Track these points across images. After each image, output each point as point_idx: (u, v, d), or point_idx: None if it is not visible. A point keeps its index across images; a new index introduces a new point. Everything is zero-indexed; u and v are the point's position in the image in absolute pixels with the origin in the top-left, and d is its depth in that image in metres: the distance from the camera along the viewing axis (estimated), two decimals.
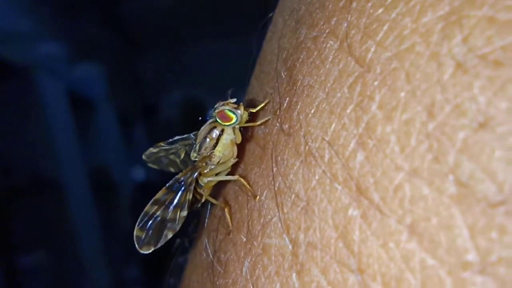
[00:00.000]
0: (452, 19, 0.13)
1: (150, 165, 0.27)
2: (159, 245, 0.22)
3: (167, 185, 0.22)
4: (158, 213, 0.21)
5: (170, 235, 0.22)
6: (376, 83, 0.15)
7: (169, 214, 0.21)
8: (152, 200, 0.21)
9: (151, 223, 0.21)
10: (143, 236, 0.21)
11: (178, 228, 0.22)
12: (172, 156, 0.26)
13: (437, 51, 0.13)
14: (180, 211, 0.21)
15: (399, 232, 0.13)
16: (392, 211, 0.14)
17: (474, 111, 0.12)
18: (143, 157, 0.27)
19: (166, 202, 0.21)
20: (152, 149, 0.26)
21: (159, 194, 0.21)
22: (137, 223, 0.21)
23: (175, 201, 0.21)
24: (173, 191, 0.22)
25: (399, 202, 0.14)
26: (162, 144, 0.26)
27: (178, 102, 2.00)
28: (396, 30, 0.15)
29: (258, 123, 0.20)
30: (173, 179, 0.22)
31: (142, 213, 0.21)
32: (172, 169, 0.26)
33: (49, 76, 1.44)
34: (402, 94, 0.14)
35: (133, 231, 0.21)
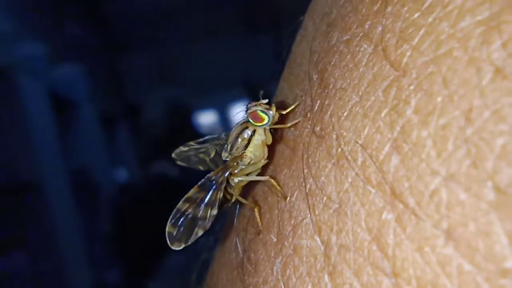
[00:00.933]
0: (491, 25, 0.13)
1: (179, 162, 0.27)
2: (189, 242, 0.22)
3: (199, 183, 0.22)
4: (189, 210, 0.22)
5: (200, 233, 0.22)
6: (412, 87, 0.15)
7: (200, 212, 0.22)
8: (184, 198, 0.22)
9: (182, 220, 0.22)
10: (175, 233, 0.22)
11: (208, 226, 0.22)
12: (201, 155, 0.26)
13: (475, 56, 0.13)
14: (211, 210, 0.22)
15: (435, 237, 0.14)
16: (428, 215, 0.14)
17: None
18: (173, 155, 0.27)
19: (198, 200, 0.22)
20: (182, 148, 0.27)
21: (191, 192, 0.22)
22: (169, 220, 0.21)
23: (206, 199, 0.22)
24: (204, 189, 0.22)
25: (435, 207, 0.14)
26: (192, 143, 0.26)
27: (161, 102, 2.00)
28: (433, 35, 0.15)
29: (289, 125, 0.21)
30: (205, 177, 0.22)
31: (174, 210, 0.22)
32: (201, 167, 0.27)
33: (29, 77, 1.43)
34: (439, 98, 0.14)
35: (166, 228, 0.22)
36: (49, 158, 1.48)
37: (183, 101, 1.91)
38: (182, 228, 0.22)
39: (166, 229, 0.22)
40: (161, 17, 1.97)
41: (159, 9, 1.94)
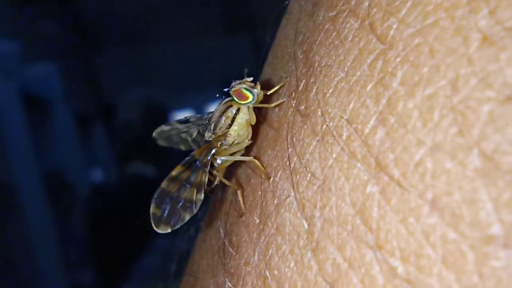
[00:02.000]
0: None
1: (160, 142, 0.26)
2: (176, 227, 0.21)
3: (183, 162, 0.21)
4: (174, 190, 0.21)
5: (187, 218, 0.21)
6: (398, 59, 0.15)
7: (186, 193, 0.21)
8: (167, 177, 0.21)
9: (168, 201, 0.21)
10: (160, 214, 0.21)
11: (195, 211, 0.21)
12: (183, 135, 0.26)
13: (462, 25, 0.13)
14: (197, 193, 0.21)
15: (419, 207, 0.13)
16: (413, 186, 0.14)
17: (500, 83, 0.12)
18: (154, 134, 0.26)
19: (183, 181, 0.21)
20: (164, 127, 0.26)
21: (175, 171, 0.21)
22: (153, 199, 0.21)
23: (192, 179, 0.21)
24: (189, 169, 0.21)
25: (420, 177, 0.13)
26: (174, 122, 0.25)
27: (137, 102, 1.98)
28: (419, 6, 0.15)
29: (273, 104, 0.20)
30: (190, 156, 0.22)
31: (158, 189, 0.21)
32: (182, 147, 0.26)
33: (1, 76, 1.40)
34: (425, 69, 0.14)
35: (150, 208, 0.21)
36: (22, 159, 1.44)
37: (159, 101, 1.90)
38: (167, 210, 0.21)
39: (151, 210, 0.21)
40: (137, 17, 1.96)
41: (135, 8, 1.92)
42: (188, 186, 0.21)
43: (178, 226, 0.21)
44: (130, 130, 1.87)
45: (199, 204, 0.21)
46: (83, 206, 1.83)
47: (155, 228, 0.21)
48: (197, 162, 0.21)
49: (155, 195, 0.20)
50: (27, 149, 1.48)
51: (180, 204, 0.21)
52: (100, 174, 2.14)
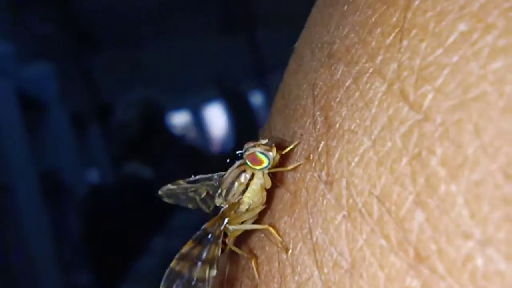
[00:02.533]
0: None
1: (166, 200, 0.25)
2: None
3: (194, 237, 0.19)
4: (185, 271, 0.19)
5: None
6: (436, 134, 0.13)
7: (198, 272, 0.19)
8: (178, 255, 0.19)
9: (178, 283, 0.19)
10: None
11: None
12: (191, 194, 0.24)
13: None
14: (210, 269, 0.19)
15: None
16: (462, 285, 0.12)
17: None
18: (159, 192, 0.25)
19: (194, 258, 0.19)
20: (170, 186, 0.24)
21: (185, 248, 0.19)
22: (162, 283, 0.19)
23: (203, 256, 0.19)
24: (200, 244, 0.19)
25: (469, 276, 0.12)
26: (181, 182, 0.24)
27: (133, 102, 1.97)
28: (459, 76, 0.13)
29: (290, 167, 0.19)
30: (201, 229, 0.20)
31: (167, 271, 0.19)
32: (190, 206, 0.24)
33: None
34: (470, 150, 0.12)
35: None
36: (18, 159, 1.43)
37: (156, 101, 1.88)
38: None
39: None
40: (133, 16, 1.94)
41: (132, 8, 1.91)
42: (200, 263, 0.19)
43: None
44: (126, 131, 1.85)
45: (212, 281, 0.19)
46: (80, 207, 1.82)
47: None
48: (209, 236, 0.19)
49: (164, 277, 0.19)
50: (23, 149, 1.48)
51: (192, 284, 0.19)
52: (96, 174, 2.13)
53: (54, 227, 1.58)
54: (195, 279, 0.19)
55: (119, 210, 1.53)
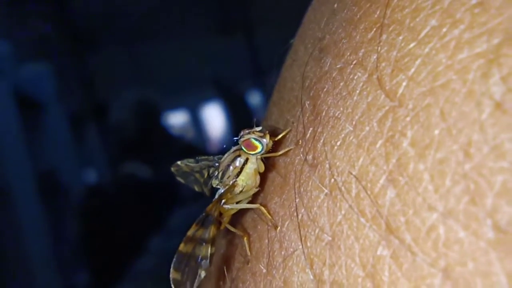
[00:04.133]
0: (490, 58, 0.13)
1: (178, 178, 0.26)
2: (194, 287, 0.20)
3: (197, 220, 0.21)
4: (191, 251, 0.20)
5: (203, 274, 0.20)
6: (408, 118, 0.15)
7: (202, 251, 0.20)
8: (184, 238, 0.21)
9: (186, 263, 0.20)
10: (180, 279, 0.20)
11: (210, 266, 0.21)
12: (197, 175, 0.25)
13: (474, 89, 0.13)
14: (210, 247, 0.21)
15: (432, 276, 0.13)
16: (425, 253, 0.13)
17: None
18: (172, 169, 0.26)
19: (198, 239, 0.21)
20: (179, 163, 0.26)
21: (190, 231, 0.21)
22: (173, 265, 0.20)
23: (206, 236, 0.21)
24: (203, 226, 0.21)
25: (432, 244, 0.13)
26: (188, 160, 0.25)
27: (131, 103, 1.98)
28: (429, 65, 0.14)
29: (280, 153, 0.20)
30: (203, 213, 0.21)
31: (176, 254, 0.20)
32: (196, 188, 0.26)
33: None
34: (437, 131, 0.14)
35: (170, 274, 0.20)
36: (16, 160, 1.43)
37: (153, 101, 1.89)
38: (186, 272, 0.20)
39: (171, 275, 0.20)
40: (131, 16, 1.95)
41: (129, 9, 1.92)
42: (204, 243, 0.21)
43: (197, 286, 0.20)
44: (123, 131, 1.85)
45: (212, 257, 0.21)
46: (77, 207, 1.83)
47: None
48: (209, 217, 0.21)
49: (174, 260, 0.20)
50: (20, 149, 1.48)
51: (197, 262, 0.20)
52: (93, 174, 2.13)
53: (52, 227, 1.58)
54: (199, 257, 0.20)
55: (117, 210, 1.54)
